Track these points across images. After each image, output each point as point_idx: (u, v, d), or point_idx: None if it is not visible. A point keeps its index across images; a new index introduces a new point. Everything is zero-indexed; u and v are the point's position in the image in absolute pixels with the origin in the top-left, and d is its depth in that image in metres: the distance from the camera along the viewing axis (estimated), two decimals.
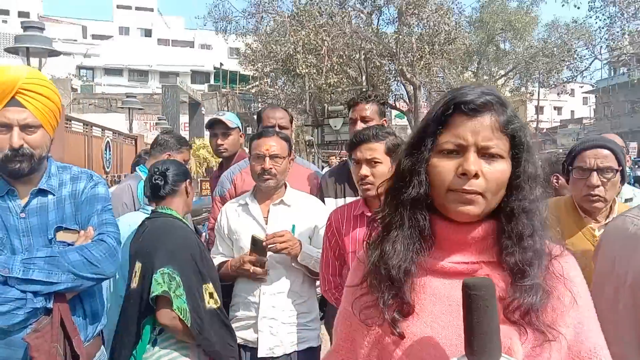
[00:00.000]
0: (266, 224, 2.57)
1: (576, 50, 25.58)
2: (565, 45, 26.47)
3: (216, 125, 3.48)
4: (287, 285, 2.55)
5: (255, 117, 3.82)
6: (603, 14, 20.87)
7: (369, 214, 2.23)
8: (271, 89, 27.74)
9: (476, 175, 1.02)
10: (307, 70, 17.74)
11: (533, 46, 30.97)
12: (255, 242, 2.43)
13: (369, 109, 2.92)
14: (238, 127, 3.53)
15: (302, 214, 2.62)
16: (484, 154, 1.04)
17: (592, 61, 25.01)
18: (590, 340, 1.06)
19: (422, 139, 1.10)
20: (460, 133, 1.05)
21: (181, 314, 2.13)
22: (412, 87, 21.59)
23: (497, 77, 34.94)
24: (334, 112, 21.50)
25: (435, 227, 1.09)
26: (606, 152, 2.11)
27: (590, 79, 44.02)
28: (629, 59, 24.22)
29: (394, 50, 18.93)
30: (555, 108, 56.65)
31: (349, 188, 2.83)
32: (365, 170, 2.19)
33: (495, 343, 0.90)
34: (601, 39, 21.78)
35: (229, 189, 3.14)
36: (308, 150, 24.20)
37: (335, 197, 2.84)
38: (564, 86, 34.82)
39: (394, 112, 30.32)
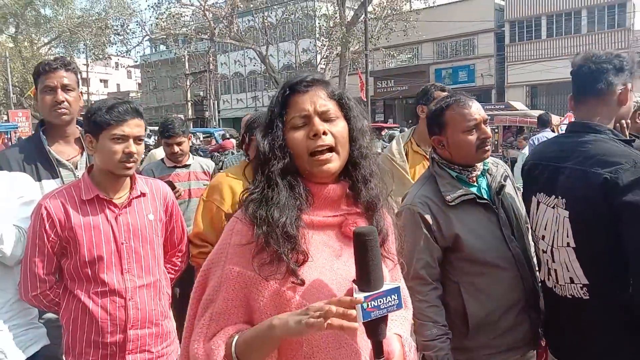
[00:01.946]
0: None
1: (129, 25, 26.33)
2: (117, 19, 26.84)
3: None
4: None
5: None
6: None
7: (105, 197, 2.08)
8: None
9: (325, 133, 1.26)
10: None
11: (76, 16, 30.13)
12: None
13: (69, 77, 2.51)
14: None
15: None
16: (325, 119, 1.28)
17: (144, 38, 26.25)
18: (397, 269, 1.45)
19: (272, 121, 1.30)
20: (301, 106, 1.28)
21: None
22: None
23: (41, 45, 32.54)
24: None
25: (308, 189, 1.29)
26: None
27: (136, 54, 46.18)
28: (168, 38, 26.57)
29: None
30: (101, 80, 57.01)
31: (42, 168, 2.41)
32: (134, 147, 2.08)
33: (381, 273, 1.16)
34: (150, 17, 23.15)
35: None
36: None
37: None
38: (109, 59, 35.40)
39: None
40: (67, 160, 2.52)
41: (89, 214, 2.07)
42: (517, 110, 17.28)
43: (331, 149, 1.27)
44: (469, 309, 2.04)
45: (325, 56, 24.62)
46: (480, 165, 2.14)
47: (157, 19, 23.16)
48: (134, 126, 2.06)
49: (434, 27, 27.46)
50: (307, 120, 1.28)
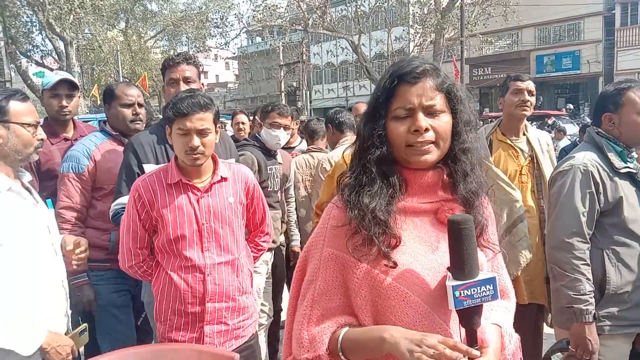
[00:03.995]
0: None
1: (227, 18, 27.37)
2: (217, 12, 27.97)
3: (62, 85, 3.18)
4: None
5: None
6: None
7: (188, 182, 2.25)
8: None
9: (427, 130, 1.24)
10: None
11: (179, 10, 31.73)
12: None
13: (191, 70, 2.73)
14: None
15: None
16: (429, 113, 1.26)
17: (241, 30, 27.22)
18: (499, 258, 1.44)
19: (376, 109, 1.30)
20: (408, 99, 1.26)
21: None
22: (62, 43, 19.60)
23: (147, 38, 34.64)
24: None
25: (403, 176, 1.29)
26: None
27: (234, 46, 47.90)
28: (264, 30, 27.28)
29: (40, 0, 16.73)
30: (202, 72, 59.70)
31: (171, 150, 2.57)
32: (197, 141, 2.18)
33: (476, 262, 1.17)
34: (247, 10, 23.90)
35: (87, 166, 2.85)
36: None
37: (157, 163, 2.58)
38: (209, 51, 36.96)
39: (33, 70, 26.94)
40: None
41: (174, 196, 2.26)
42: None
43: (431, 142, 1.27)
44: (609, 277, 2.25)
45: (418, 44, 24.16)
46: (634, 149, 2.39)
47: (253, 11, 23.86)
48: (196, 120, 2.17)
49: (536, 11, 26.03)
50: (411, 113, 1.26)
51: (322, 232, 1.35)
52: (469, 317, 1.16)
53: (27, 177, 2.21)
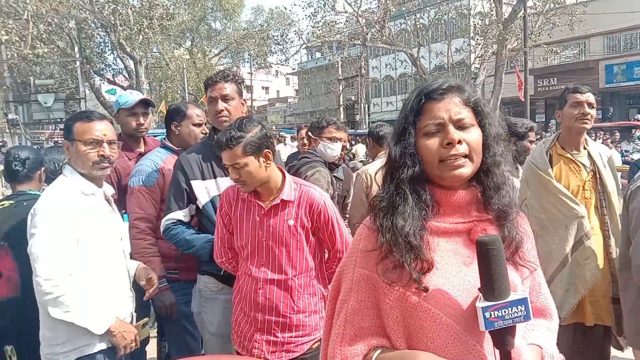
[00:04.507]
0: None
1: (287, 35, 27.99)
2: (277, 30, 28.61)
3: (140, 105, 3.42)
4: None
5: None
6: (309, 5, 23.36)
7: (256, 200, 2.41)
8: None
9: (459, 142, 1.24)
10: (7, 37, 15.20)
11: (242, 28, 32.70)
12: None
13: (229, 88, 2.82)
14: None
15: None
16: (459, 127, 1.26)
17: (301, 46, 27.77)
18: (539, 276, 1.41)
19: (405, 128, 1.30)
20: (436, 114, 1.26)
21: None
22: (132, 62, 20.65)
23: (212, 56, 35.87)
24: (42, 87, 19.05)
25: (435, 195, 1.28)
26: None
27: (293, 61, 48.78)
28: (323, 45, 27.69)
29: (112, 22, 17.73)
30: (263, 88, 61.19)
31: (217, 167, 2.76)
32: (234, 173, 2.36)
33: (507, 283, 1.15)
34: (307, 26, 24.32)
35: (157, 179, 3.05)
36: (12, 130, 20.88)
37: (203, 179, 2.75)
38: (270, 67, 37.77)
39: (105, 88, 28.40)
40: None
41: (244, 210, 2.45)
42: None
43: (464, 156, 1.26)
44: None
45: (479, 55, 23.72)
46: None
47: (313, 27, 24.26)
48: (226, 157, 2.35)
49: (605, 20, 24.95)
50: (441, 128, 1.26)
51: (353, 252, 1.37)
52: (502, 338, 1.15)
53: (110, 189, 2.53)
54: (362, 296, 1.31)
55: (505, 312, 1.13)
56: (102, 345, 2.29)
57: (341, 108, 37.46)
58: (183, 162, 2.78)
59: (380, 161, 3.67)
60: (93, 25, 20.33)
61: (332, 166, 3.82)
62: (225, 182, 2.73)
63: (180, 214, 2.73)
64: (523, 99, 19.80)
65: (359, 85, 35.48)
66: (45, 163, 3.00)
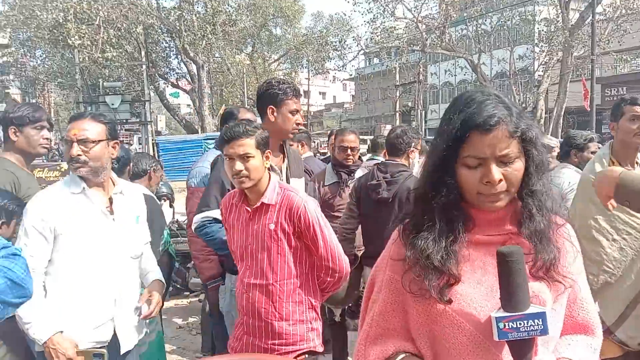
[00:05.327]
0: (111, 214, 2.46)
1: (346, 41, 28.09)
2: (336, 35, 28.77)
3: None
4: None
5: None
6: (369, 11, 23.38)
7: (244, 204, 2.45)
8: (25, 59, 24.36)
9: (499, 180, 1.21)
10: (80, 42, 16.06)
11: (301, 34, 33.06)
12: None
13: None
14: None
15: (136, 203, 2.63)
16: (502, 161, 1.22)
17: (359, 52, 27.82)
18: (582, 291, 1.37)
19: (444, 154, 1.25)
20: (480, 149, 1.21)
21: None
22: (194, 66, 21.33)
23: (271, 62, 36.45)
24: (110, 89, 19.98)
25: (470, 214, 1.29)
26: None
27: (351, 67, 48.95)
28: (381, 51, 27.55)
29: (177, 27, 18.39)
30: (320, 93, 61.67)
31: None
32: (239, 165, 2.35)
33: (526, 296, 1.15)
34: (365, 32, 24.33)
35: None
36: None
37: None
38: (328, 72, 37.96)
39: (169, 91, 29.39)
40: (276, 165, 2.90)
41: (235, 214, 2.50)
42: None
43: (502, 192, 1.24)
44: None
45: (543, 62, 22.99)
46: None
47: (372, 33, 24.25)
48: (237, 146, 2.34)
49: None
50: (483, 162, 1.22)
51: (386, 255, 1.40)
52: (518, 349, 1.15)
53: (120, 195, 2.48)
54: (389, 298, 1.34)
55: (520, 324, 1.12)
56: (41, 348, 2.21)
57: (397, 114, 37.17)
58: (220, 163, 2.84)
59: None
60: (159, 31, 21.13)
61: None
62: None
63: (217, 213, 2.72)
64: (589, 109, 19.01)
65: (417, 91, 35.12)
66: (131, 161, 3.35)
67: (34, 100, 29.99)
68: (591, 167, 2.90)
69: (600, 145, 3.84)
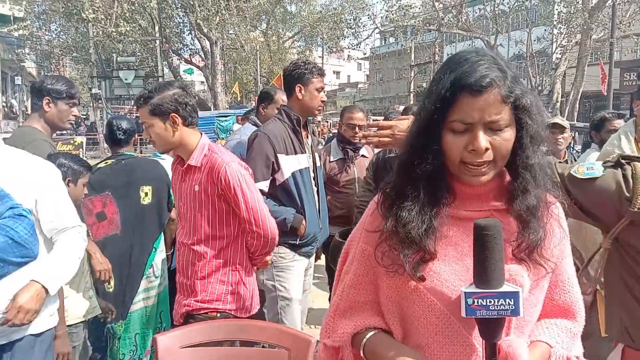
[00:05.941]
0: None
1: (361, 19, 27.81)
2: (351, 13, 28.44)
3: None
4: None
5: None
6: None
7: (178, 166, 2.51)
8: (40, 33, 24.43)
9: (486, 149, 1.12)
10: (94, 15, 16.05)
11: (316, 11, 32.70)
12: None
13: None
14: None
15: None
16: (491, 127, 1.12)
17: (373, 30, 27.51)
18: (565, 274, 1.29)
19: (430, 118, 1.15)
20: (468, 113, 1.11)
21: None
22: (208, 42, 21.26)
23: (285, 39, 36.17)
24: (124, 64, 20.03)
25: (452, 187, 1.21)
26: None
27: (365, 46, 48.41)
28: (396, 30, 27.24)
29: (191, 2, 18.29)
30: (334, 72, 61.21)
31: (296, 143, 3.05)
32: (146, 133, 2.44)
33: (500, 273, 1.06)
34: (381, 10, 23.99)
35: None
36: (95, 104, 22.17)
37: (287, 154, 2.99)
38: (342, 51, 37.60)
39: (183, 67, 29.35)
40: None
41: (175, 173, 2.57)
42: None
43: (488, 162, 1.14)
44: None
45: (561, 45, 22.59)
46: None
47: (387, 11, 23.94)
48: (139, 115, 2.40)
49: None
50: (470, 128, 1.12)
51: (360, 226, 1.34)
52: (487, 328, 1.09)
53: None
54: (361, 271, 1.29)
55: (490, 302, 1.06)
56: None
57: (412, 95, 36.87)
58: (271, 136, 2.95)
59: None
60: (173, 6, 21.05)
61: None
62: (304, 159, 3.00)
63: (264, 185, 2.87)
64: (606, 93, 18.70)
65: (432, 72, 34.72)
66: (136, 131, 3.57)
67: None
68: (616, 142, 2.82)
69: (620, 122, 3.79)
